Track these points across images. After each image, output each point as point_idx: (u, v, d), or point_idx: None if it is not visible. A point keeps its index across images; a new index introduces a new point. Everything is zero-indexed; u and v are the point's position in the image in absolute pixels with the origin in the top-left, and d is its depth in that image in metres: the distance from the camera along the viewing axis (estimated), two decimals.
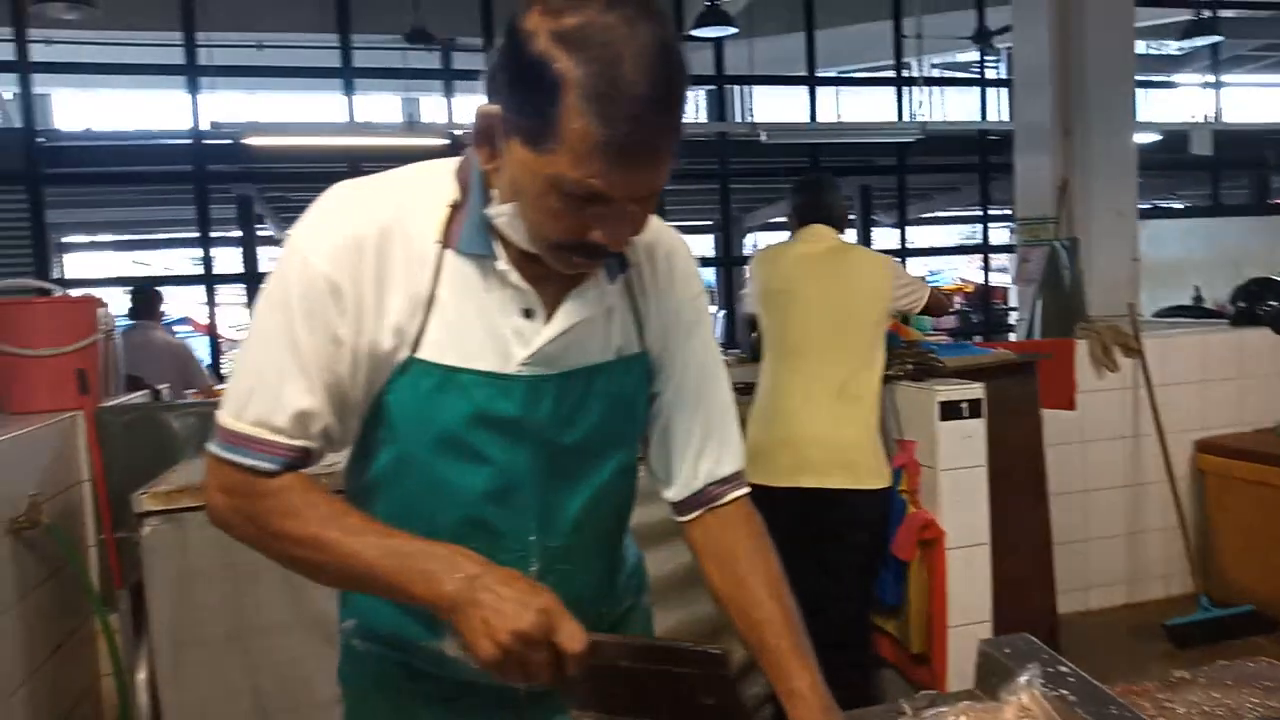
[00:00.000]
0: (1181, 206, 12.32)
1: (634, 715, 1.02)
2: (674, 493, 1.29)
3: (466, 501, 1.13)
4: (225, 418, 1.09)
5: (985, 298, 11.28)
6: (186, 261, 12.76)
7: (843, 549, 2.61)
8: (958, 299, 11.96)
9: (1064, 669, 1.32)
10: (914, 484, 2.75)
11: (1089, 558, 4.25)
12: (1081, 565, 4.22)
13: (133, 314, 5.65)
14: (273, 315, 1.08)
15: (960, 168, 10.18)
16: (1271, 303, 4.72)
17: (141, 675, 2.53)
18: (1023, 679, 1.27)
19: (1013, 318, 8.59)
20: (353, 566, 1.03)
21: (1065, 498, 4.08)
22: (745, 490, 1.30)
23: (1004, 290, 10.94)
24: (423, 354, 1.10)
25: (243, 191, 8.74)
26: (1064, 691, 1.26)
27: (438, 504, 1.14)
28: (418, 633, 1.20)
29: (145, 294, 5.77)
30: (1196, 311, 6.71)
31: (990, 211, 10.17)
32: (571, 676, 0.98)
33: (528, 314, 1.12)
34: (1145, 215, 5.33)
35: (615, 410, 1.21)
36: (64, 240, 11.46)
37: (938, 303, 3.03)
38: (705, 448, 1.28)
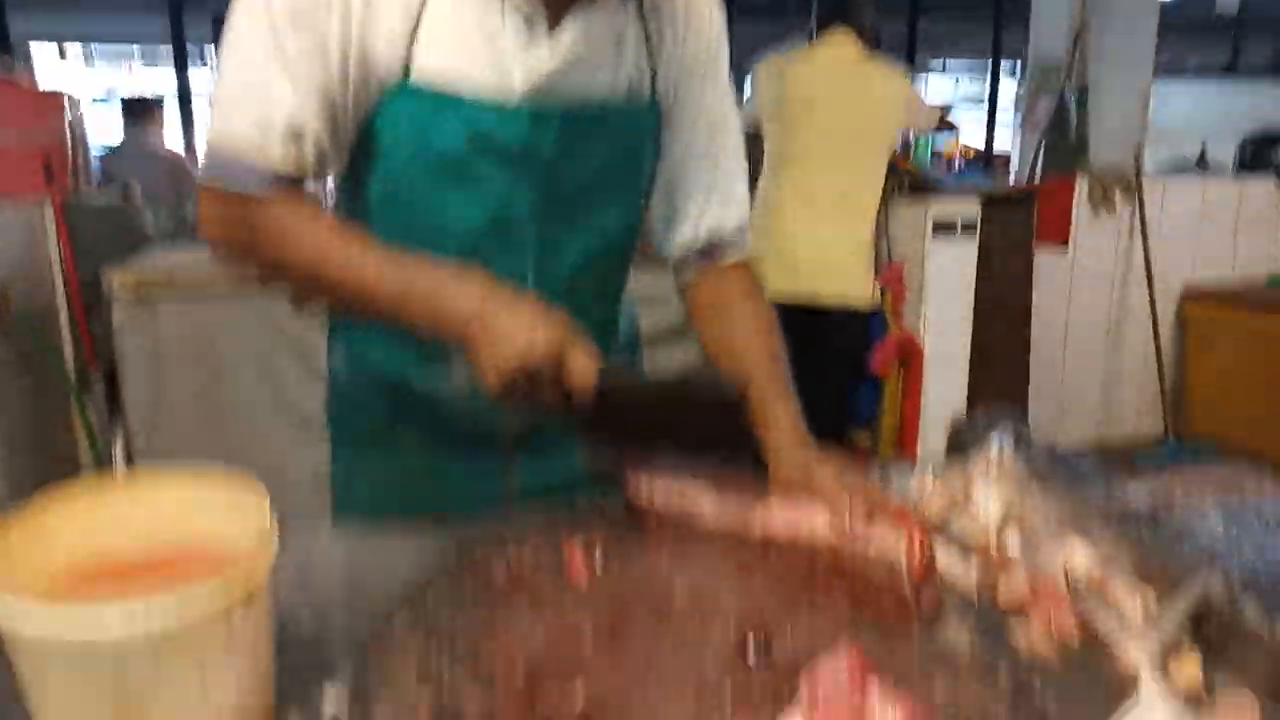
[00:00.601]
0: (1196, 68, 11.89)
1: (643, 443, 1.02)
2: (674, 249, 1.24)
3: (460, 237, 1.08)
4: (211, 139, 1.02)
5: (987, 161, 11.01)
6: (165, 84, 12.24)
7: (827, 364, 2.61)
8: (958, 164, 11.67)
9: (1038, 440, 1.31)
10: (898, 305, 2.72)
11: (1064, 398, 4.31)
12: (1056, 404, 4.29)
13: (127, 124, 5.36)
14: (253, 22, 0.98)
15: (975, 5, 9.70)
16: None
17: (118, 461, 2.55)
18: (994, 441, 1.26)
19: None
20: (356, 290, 1.00)
21: (1048, 337, 4.10)
22: (747, 250, 1.25)
23: (1006, 158, 10.68)
24: (417, 72, 1.02)
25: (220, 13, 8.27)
26: (1034, 454, 1.26)
27: (429, 238, 1.07)
28: (407, 368, 1.18)
29: (142, 103, 5.46)
30: (1200, 170, 6.57)
31: (1000, 62, 9.79)
32: (581, 406, 0.96)
33: (529, 23, 1.03)
34: (1160, 73, 5.12)
35: (621, 155, 1.15)
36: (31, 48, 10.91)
37: (944, 126, 2.99)
38: (710, 204, 1.22)
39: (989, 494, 1.19)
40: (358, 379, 1.23)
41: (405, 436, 1.24)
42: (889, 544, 0.81)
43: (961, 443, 1.35)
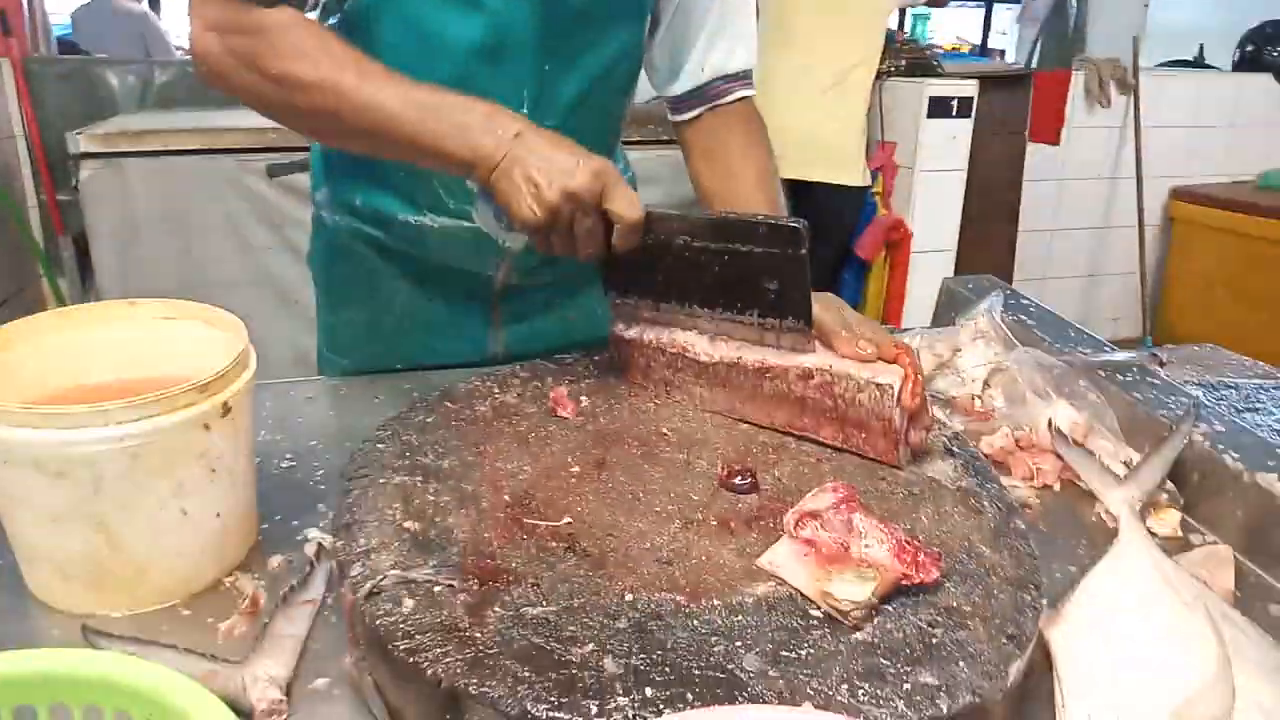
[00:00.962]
0: None
1: (682, 301, 0.92)
2: (676, 86, 1.18)
3: (454, 57, 1.00)
4: None
5: (983, 54, 10.72)
6: None
7: (814, 242, 2.56)
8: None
9: (1026, 301, 1.30)
10: (888, 186, 2.68)
11: (1044, 296, 4.31)
12: (1036, 299, 4.30)
13: None
14: None
15: None
16: None
17: None
18: (983, 304, 1.25)
19: None
20: (373, 117, 0.90)
21: (1034, 234, 4.07)
22: (751, 91, 1.19)
23: (1002, 52, 10.39)
24: None
25: None
26: (1023, 317, 1.25)
27: (421, 58, 0.99)
28: (395, 205, 1.13)
29: None
30: (1197, 69, 6.44)
31: None
32: (619, 253, 0.89)
33: None
34: None
35: None
36: None
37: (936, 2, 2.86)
38: (717, 39, 1.15)
39: (975, 355, 1.18)
40: (343, 224, 1.18)
41: (390, 284, 1.21)
42: (883, 381, 0.80)
43: (950, 307, 1.34)
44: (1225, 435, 0.97)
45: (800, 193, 2.54)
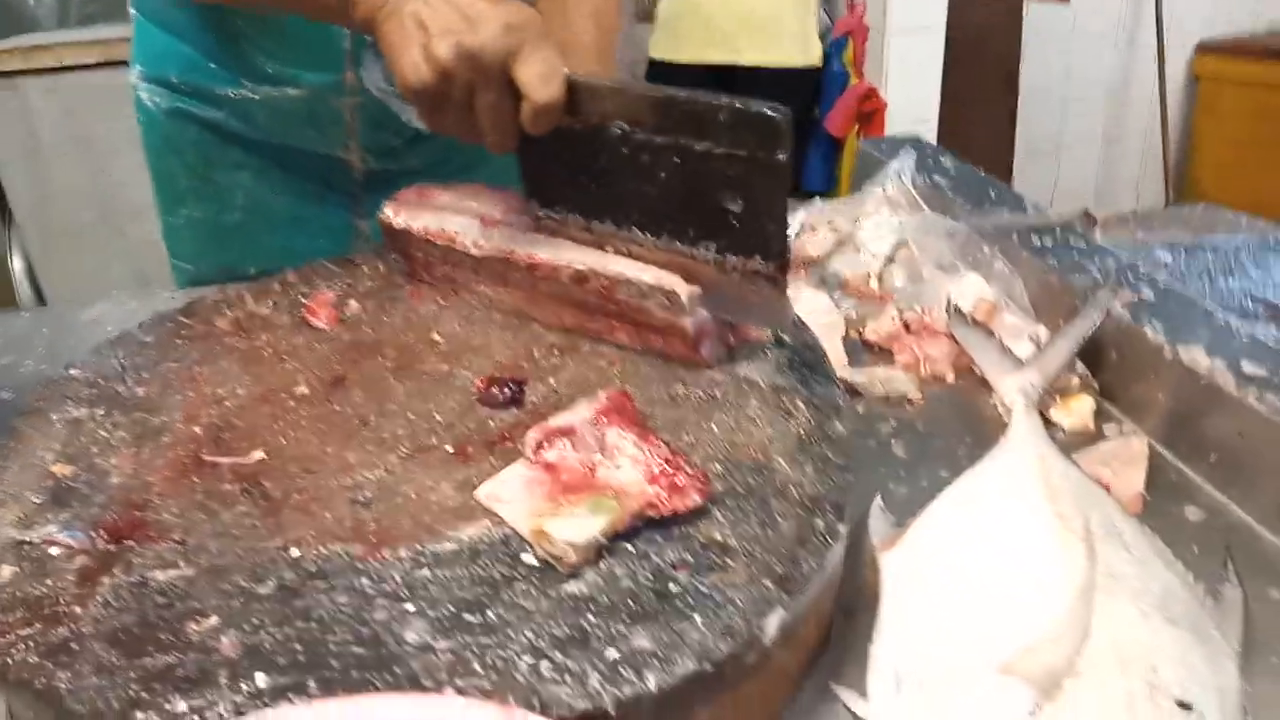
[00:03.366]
0: None
1: (618, 220, 0.67)
2: None
3: None
4: None
5: None
6: None
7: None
8: None
9: (947, 162, 1.11)
10: (859, 54, 2.42)
11: (1060, 165, 4.01)
12: (1049, 173, 4.00)
13: None
14: None
15: None
16: None
17: (17, 265, 2.39)
18: (892, 166, 1.06)
19: None
20: None
21: (1042, 100, 3.75)
22: None
23: None
24: None
25: None
26: (939, 179, 1.06)
27: None
28: (208, 76, 0.98)
29: None
30: None
31: None
32: (536, 139, 0.65)
33: None
34: None
35: None
36: None
37: None
38: None
39: (879, 227, 1.00)
40: (164, 104, 1.02)
41: (229, 175, 1.06)
42: (670, 286, 0.62)
43: (864, 174, 1.15)
44: (1154, 306, 0.79)
45: (736, 79, 2.27)
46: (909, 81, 2.40)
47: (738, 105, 0.59)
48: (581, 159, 0.66)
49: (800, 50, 2.25)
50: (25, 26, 2.79)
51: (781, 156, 0.58)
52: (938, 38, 2.41)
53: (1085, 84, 3.92)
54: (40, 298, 2.36)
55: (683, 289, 0.63)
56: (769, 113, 0.58)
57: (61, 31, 2.61)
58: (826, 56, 2.52)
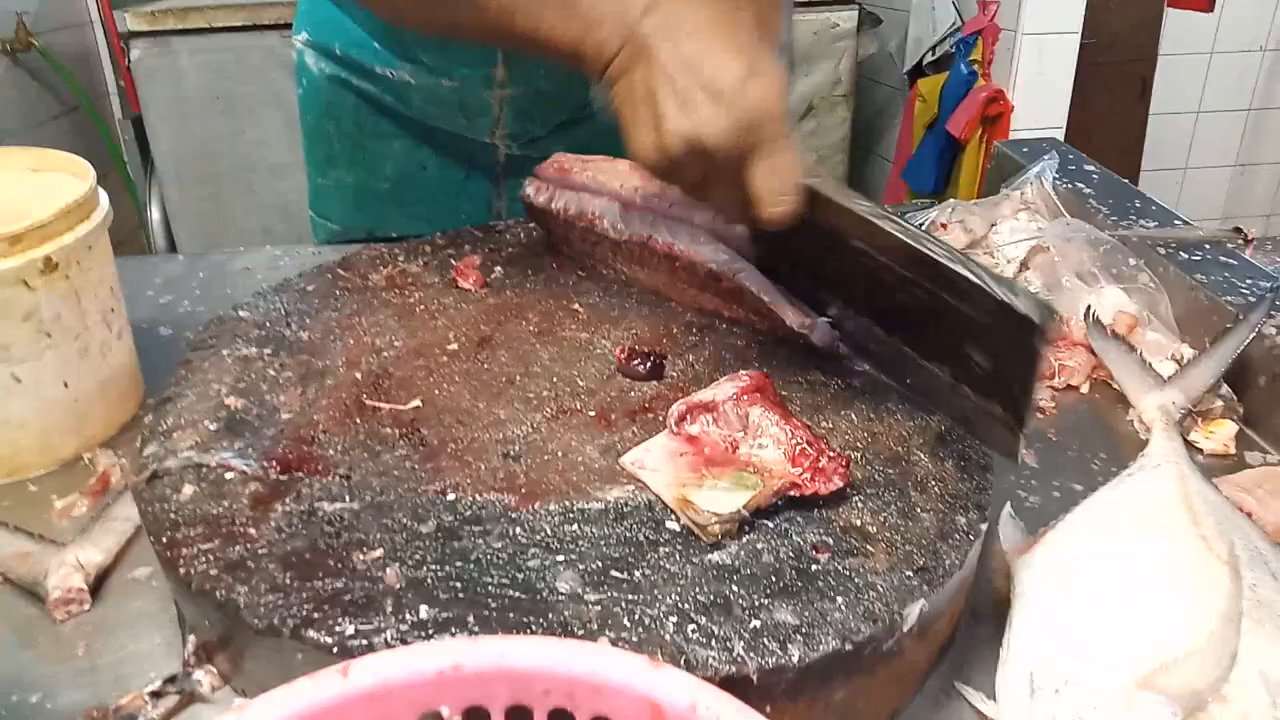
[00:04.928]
0: None
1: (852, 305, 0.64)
2: None
3: None
4: None
5: None
6: None
7: None
8: None
9: (1091, 168, 1.08)
10: (988, 53, 2.35)
11: (1185, 187, 3.83)
12: (1173, 194, 3.83)
13: None
14: None
15: None
16: None
17: (155, 214, 2.52)
18: (1032, 170, 1.04)
19: None
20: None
21: (1171, 118, 3.59)
22: None
23: None
24: None
25: None
26: (1081, 185, 1.03)
27: None
28: (371, 55, 1.02)
29: None
30: None
31: None
32: (769, 223, 0.60)
33: None
34: None
35: None
36: None
37: None
38: None
39: (1015, 231, 0.98)
40: (327, 71, 1.07)
41: (381, 144, 1.10)
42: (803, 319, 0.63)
43: (1000, 175, 1.13)
44: None
45: None
46: (1039, 85, 2.33)
47: (1001, 298, 0.53)
48: (816, 251, 0.63)
49: None
50: None
51: (1038, 348, 0.53)
52: (1073, 41, 2.33)
53: (1222, 97, 3.73)
54: (172, 245, 2.49)
55: (802, 324, 0.64)
56: (1033, 318, 0.52)
57: None
58: (953, 56, 2.46)
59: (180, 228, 2.46)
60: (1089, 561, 0.57)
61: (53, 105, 2.66)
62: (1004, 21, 2.35)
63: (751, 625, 0.44)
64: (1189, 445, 0.74)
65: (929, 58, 2.58)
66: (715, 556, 0.49)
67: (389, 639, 0.44)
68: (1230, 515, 0.63)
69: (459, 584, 0.47)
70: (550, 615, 0.45)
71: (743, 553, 0.49)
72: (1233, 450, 0.74)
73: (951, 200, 1.05)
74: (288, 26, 2.34)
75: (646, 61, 0.59)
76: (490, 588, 0.47)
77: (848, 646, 0.44)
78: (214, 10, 2.27)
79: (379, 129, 1.09)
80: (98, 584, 0.60)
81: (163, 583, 0.59)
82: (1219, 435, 0.76)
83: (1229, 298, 0.80)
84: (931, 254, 0.56)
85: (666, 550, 0.49)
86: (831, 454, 0.53)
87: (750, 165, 0.58)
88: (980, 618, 0.57)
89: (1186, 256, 0.87)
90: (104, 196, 0.73)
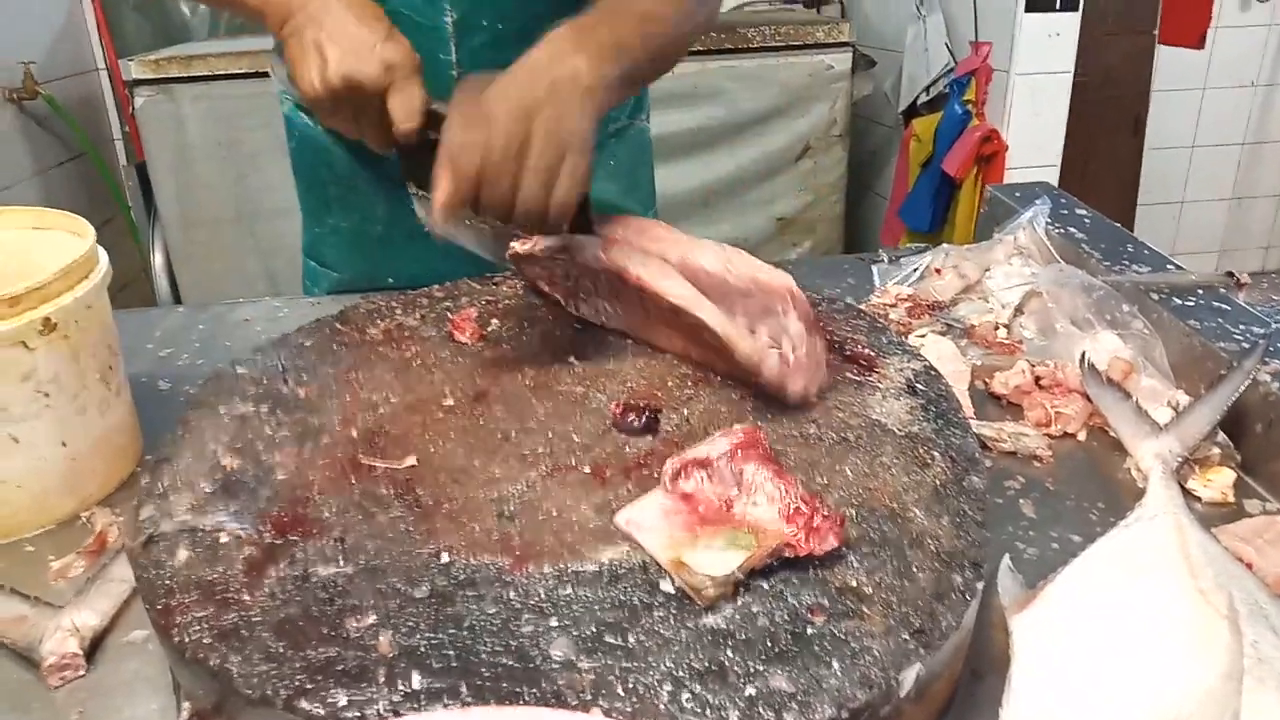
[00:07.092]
0: None
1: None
2: None
3: None
4: None
5: None
6: None
7: None
8: None
9: (1083, 212, 1.09)
10: (982, 93, 2.38)
11: (1182, 221, 3.85)
12: (1170, 228, 3.84)
13: None
14: None
15: None
16: None
17: (158, 260, 2.54)
18: (1025, 214, 1.05)
19: None
20: None
21: (1167, 153, 3.61)
22: None
23: None
24: None
25: None
26: (1073, 230, 1.04)
27: None
28: None
29: None
30: None
31: None
32: (405, 145, 0.80)
33: None
34: None
35: None
36: None
37: None
38: None
39: (1009, 275, 0.99)
40: (311, 121, 1.09)
41: (371, 190, 1.12)
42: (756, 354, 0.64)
43: (993, 219, 1.13)
44: None
45: None
46: (1032, 124, 2.35)
47: None
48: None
49: None
50: (181, 37, 2.98)
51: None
52: (1065, 80, 2.36)
53: (1216, 131, 3.76)
54: (176, 290, 2.50)
55: (755, 353, 0.64)
56: None
57: (213, 41, 2.78)
58: (947, 95, 2.49)
59: (183, 272, 2.48)
60: (1087, 619, 0.57)
61: (59, 152, 2.69)
62: (997, 62, 2.38)
63: (747, 693, 0.44)
64: (1187, 493, 0.74)
65: (923, 98, 2.61)
66: (710, 620, 0.48)
67: (381, 710, 0.44)
68: (1229, 566, 0.62)
69: (452, 652, 0.47)
70: (543, 684, 0.45)
71: (737, 616, 0.49)
72: (1231, 498, 0.74)
73: (945, 245, 1.06)
74: None
75: (315, 23, 0.79)
76: (484, 655, 0.46)
77: (844, 714, 0.44)
78: (216, 58, 2.30)
79: (369, 175, 1.11)
80: (93, 647, 0.60)
81: (159, 646, 0.59)
82: (1217, 483, 0.75)
83: (1223, 344, 0.81)
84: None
85: (661, 614, 0.49)
86: (826, 512, 0.53)
87: (389, 96, 0.78)
88: (980, 675, 0.57)
89: (1180, 302, 0.88)
90: (103, 255, 0.73)
